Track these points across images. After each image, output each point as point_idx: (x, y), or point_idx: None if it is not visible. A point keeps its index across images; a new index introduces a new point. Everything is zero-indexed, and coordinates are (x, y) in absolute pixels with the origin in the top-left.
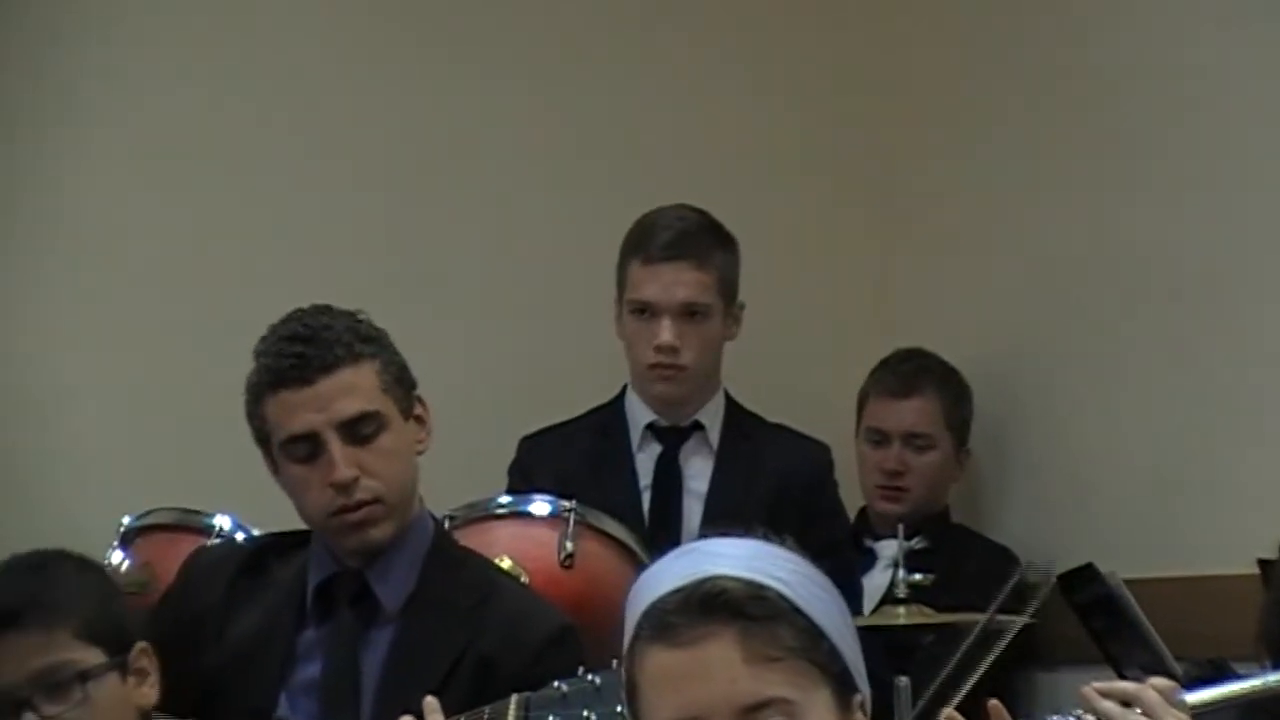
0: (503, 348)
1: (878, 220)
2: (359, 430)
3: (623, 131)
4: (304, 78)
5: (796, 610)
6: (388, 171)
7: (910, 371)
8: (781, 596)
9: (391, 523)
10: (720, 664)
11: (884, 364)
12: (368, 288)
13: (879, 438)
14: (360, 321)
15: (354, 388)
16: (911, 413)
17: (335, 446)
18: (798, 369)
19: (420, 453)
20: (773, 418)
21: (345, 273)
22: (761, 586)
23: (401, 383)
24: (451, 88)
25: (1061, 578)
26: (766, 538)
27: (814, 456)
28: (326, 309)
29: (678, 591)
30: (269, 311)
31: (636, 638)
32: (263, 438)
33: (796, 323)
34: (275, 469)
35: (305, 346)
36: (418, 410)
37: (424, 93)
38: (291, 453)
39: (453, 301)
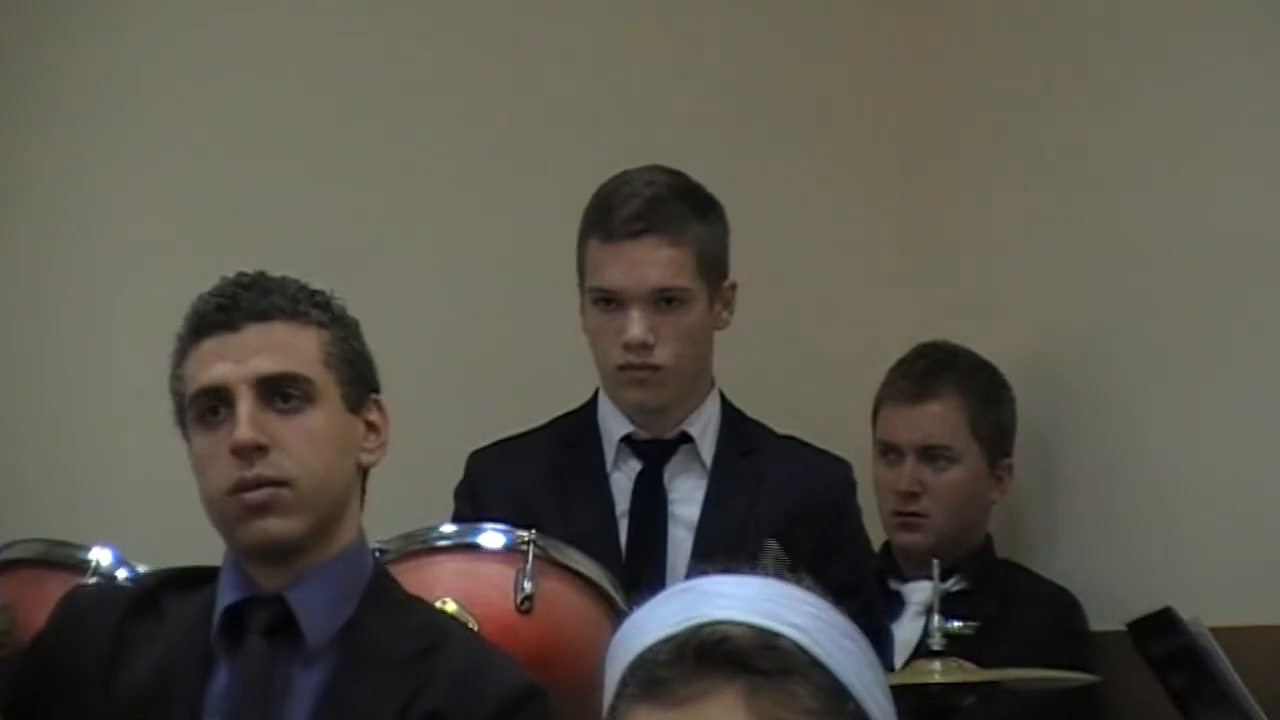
0: (449, 344)
1: (909, 198)
2: (279, 390)
3: (609, 90)
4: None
5: (816, 664)
6: (308, 135)
7: (924, 370)
8: (798, 647)
9: (299, 519)
10: None
11: (899, 363)
12: (298, 267)
13: (891, 452)
14: (319, 292)
15: (285, 345)
16: (926, 420)
17: (245, 405)
18: (811, 371)
19: (367, 464)
20: (781, 429)
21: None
22: (773, 634)
23: (354, 370)
24: (399, 45)
25: (1132, 626)
26: (779, 574)
27: (832, 476)
28: (286, 276)
29: (670, 640)
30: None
31: (620, 697)
32: (180, 407)
33: (810, 315)
34: (189, 449)
35: (240, 290)
36: (371, 415)
37: (372, 59)
38: (198, 413)
39: (386, 291)
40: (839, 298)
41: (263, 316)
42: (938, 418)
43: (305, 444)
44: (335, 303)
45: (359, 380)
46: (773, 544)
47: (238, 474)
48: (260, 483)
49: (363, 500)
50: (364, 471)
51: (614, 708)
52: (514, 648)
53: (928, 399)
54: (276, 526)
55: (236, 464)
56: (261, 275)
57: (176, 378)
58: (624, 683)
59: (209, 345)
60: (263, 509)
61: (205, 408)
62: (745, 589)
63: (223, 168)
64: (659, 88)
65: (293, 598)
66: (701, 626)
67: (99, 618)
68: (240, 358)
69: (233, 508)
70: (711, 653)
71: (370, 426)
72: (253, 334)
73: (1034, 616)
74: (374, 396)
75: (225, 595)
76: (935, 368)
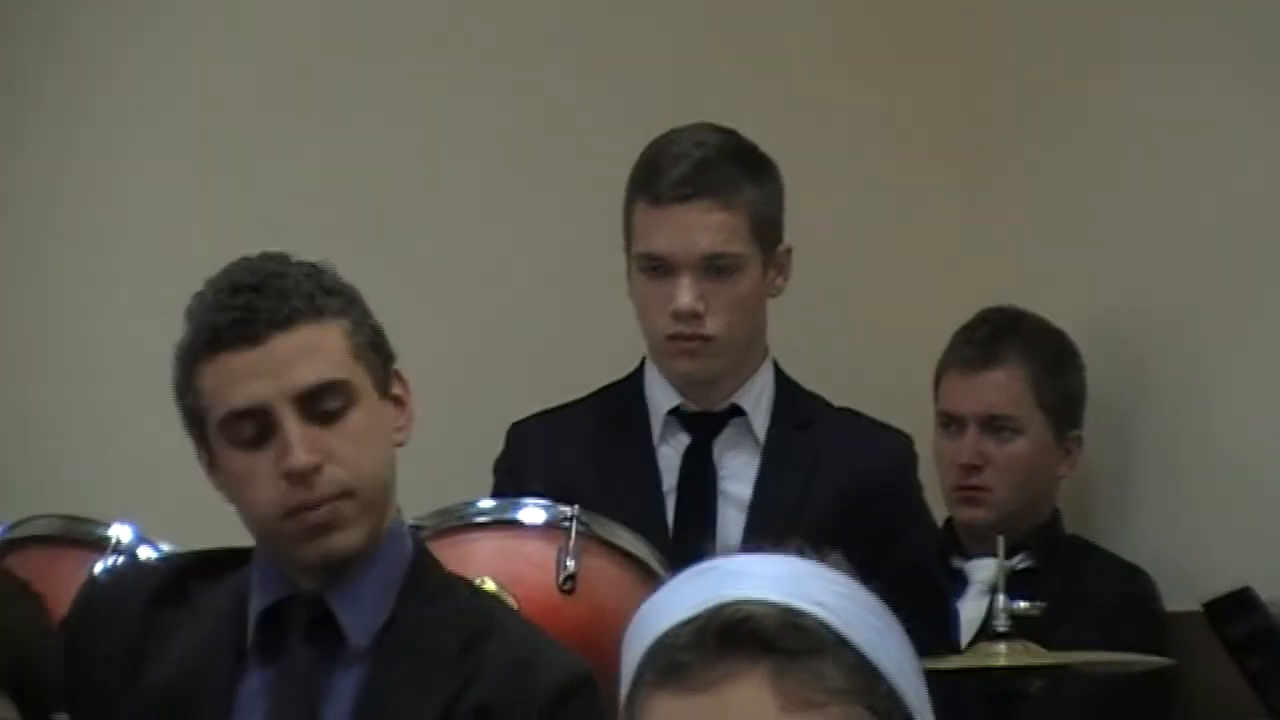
0: (487, 312)
1: (973, 158)
2: (322, 405)
3: (657, 41)
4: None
5: (844, 642)
6: (333, 99)
7: (987, 336)
8: (824, 625)
9: (362, 527)
10: (747, 712)
11: (962, 329)
12: (315, 241)
13: (952, 424)
14: (323, 271)
15: (316, 350)
16: (989, 388)
17: (292, 425)
18: (870, 340)
19: (400, 443)
20: (838, 401)
21: (285, 221)
22: (798, 613)
23: (377, 350)
24: None
25: (1209, 606)
26: (802, 552)
27: (892, 450)
28: (281, 256)
29: (690, 621)
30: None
31: (638, 683)
32: (195, 420)
33: (869, 281)
34: (210, 462)
35: (254, 296)
36: (396, 388)
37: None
38: (233, 435)
39: (424, 254)
40: (900, 263)
41: (286, 324)
42: (1001, 386)
43: (357, 450)
44: (339, 279)
45: (382, 357)
46: (840, 557)
47: (297, 496)
48: (321, 502)
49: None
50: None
51: (631, 698)
52: (555, 629)
53: (991, 366)
54: (342, 541)
55: (291, 488)
56: (268, 275)
57: (191, 391)
58: (642, 669)
59: (232, 362)
60: (326, 527)
61: (240, 428)
62: (768, 567)
63: (237, 128)
64: (715, 40)
65: (333, 597)
66: (723, 606)
67: (125, 606)
68: (274, 373)
69: (293, 528)
70: (734, 633)
71: (397, 401)
72: (280, 345)
73: (1105, 595)
74: (393, 369)
75: (261, 595)
76: (999, 333)
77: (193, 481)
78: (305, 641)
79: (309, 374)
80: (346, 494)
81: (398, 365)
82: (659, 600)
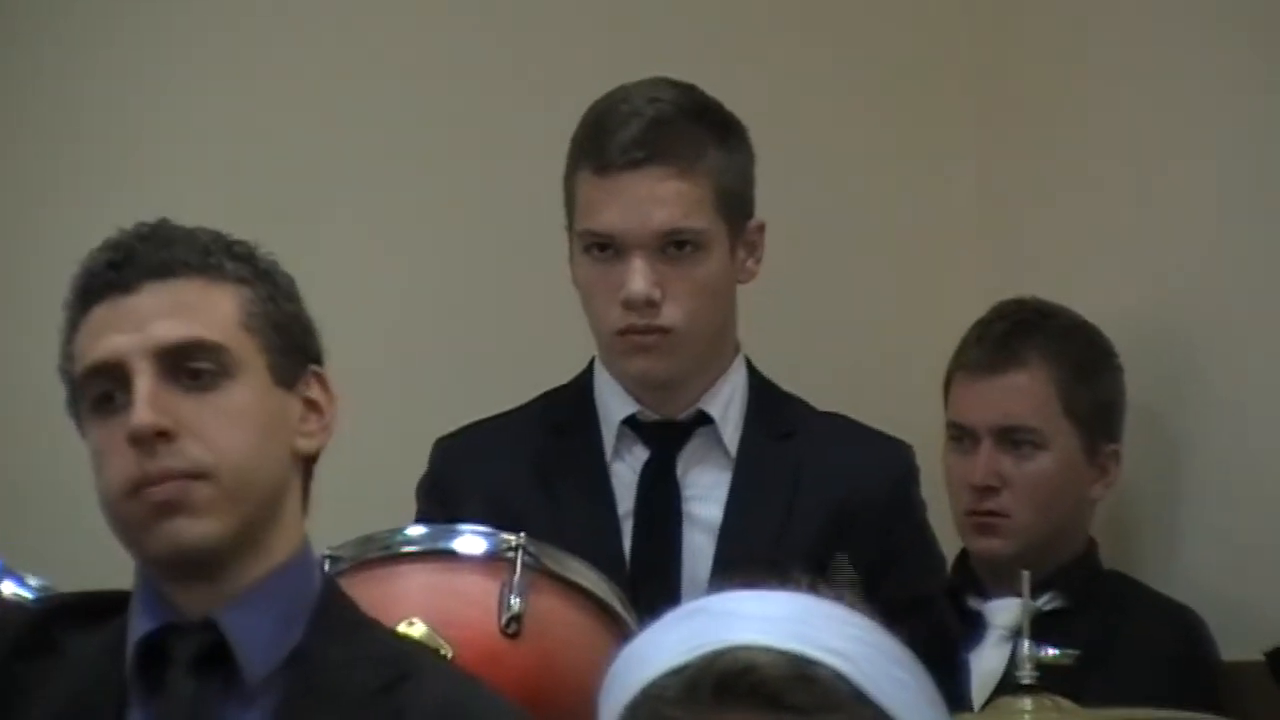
0: (410, 308)
1: (985, 115)
2: (188, 365)
3: None
4: None
5: (861, 698)
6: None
7: (1004, 333)
8: (839, 676)
9: (218, 518)
10: None
11: (975, 326)
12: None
13: (965, 437)
14: (240, 242)
15: (192, 307)
16: (1006, 395)
17: (143, 382)
18: (865, 336)
19: (303, 453)
20: (824, 406)
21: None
22: (808, 662)
23: (282, 332)
24: None
25: (1271, 655)
26: (814, 588)
27: (889, 462)
28: (197, 227)
29: (680, 671)
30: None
31: None
32: (73, 393)
33: (864, 265)
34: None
35: (136, 243)
36: (311, 391)
37: None
38: (90, 395)
39: (331, 247)
40: (902, 244)
41: (163, 273)
42: (1020, 392)
43: (221, 426)
44: (261, 255)
45: (292, 349)
46: (843, 559)
47: (138, 469)
48: (166, 476)
49: (306, 498)
50: (305, 463)
51: None
52: (498, 678)
53: (1008, 369)
54: (189, 529)
55: (136, 457)
56: (163, 223)
57: (66, 356)
58: None
59: (99, 313)
60: (170, 508)
61: (99, 391)
62: (771, 607)
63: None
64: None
65: (225, 623)
66: (719, 654)
67: None
68: (136, 325)
69: (134, 510)
70: (733, 687)
71: (310, 405)
72: (151, 294)
73: (1149, 642)
74: (314, 369)
75: (140, 623)
76: (1018, 330)
77: (65, 504)
78: (191, 673)
79: (174, 329)
80: (200, 474)
81: (326, 373)
82: (642, 646)
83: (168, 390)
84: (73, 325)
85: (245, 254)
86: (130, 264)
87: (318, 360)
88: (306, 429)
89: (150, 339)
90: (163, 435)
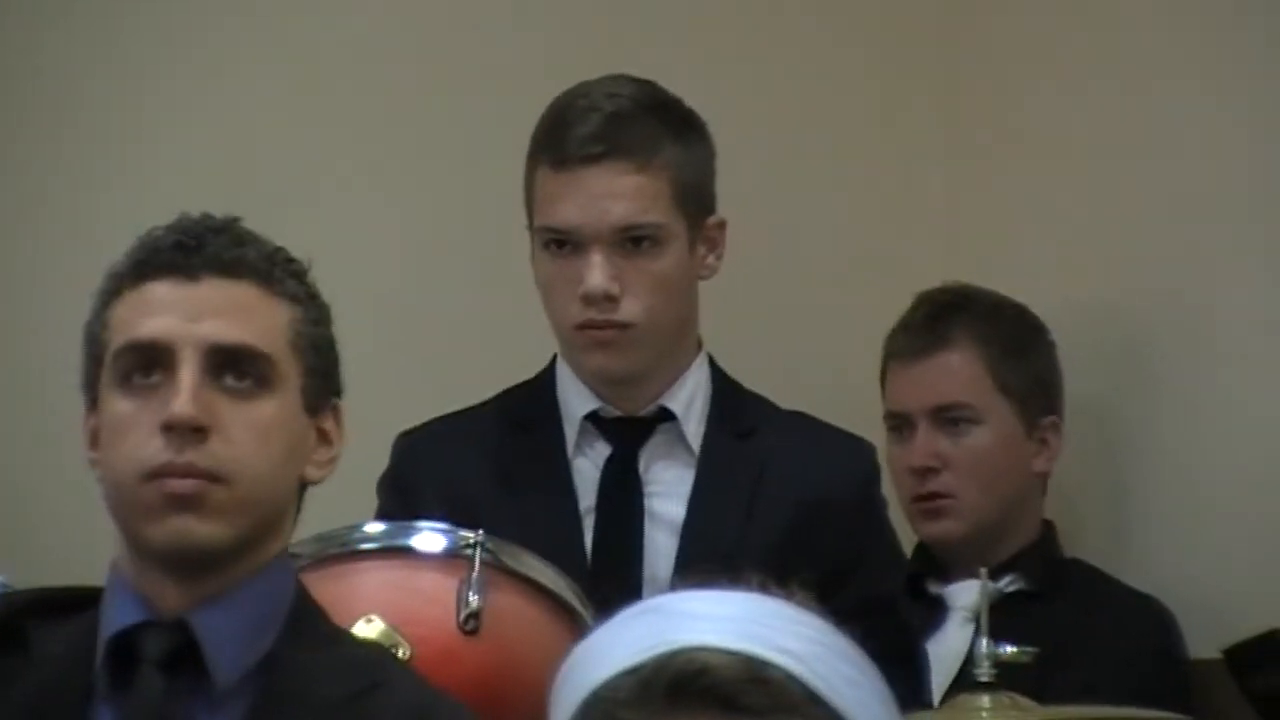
0: (375, 302)
1: (937, 112)
2: (233, 366)
3: None
4: None
5: (815, 699)
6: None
7: (929, 318)
8: (791, 678)
9: (226, 524)
10: None
11: (903, 316)
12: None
13: (902, 425)
14: (296, 260)
15: (250, 312)
16: (936, 376)
17: (188, 372)
18: (826, 332)
19: (308, 481)
20: (786, 403)
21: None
22: (762, 663)
23: (321, 358)
24: None
25: (1230, 653)
26: (765, 587)
27: (853, 462)
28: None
29: (633, 672)
30: None
31: None
32: (93, 359)
33: (824, 262)
34: (94, 421)
35: (209, 234)
36: (327, 424)
37: None
38: (124, 369)
39: (288, 234)
40: (862, 240)
41: (230, 271)
42: (950, 372)
43: (251, 437)
44: (311, 279)
45: (325, 376)
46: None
47: (165, 456)
48: (189, 472)
49: (294, 523)
50: (303, 488)
51: None
52: (456, 675)
53: (937, 350)
54: (197, 529)
55: (165, 444)
56: (235, 222)
57: (100, 323)
58: None
59: (156, 290)
60: (183, 503)
61: (134, 365)
62: (725, 607)
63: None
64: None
65: (198, 623)
66: (672, 655)
67: None
68: (192, 315)
69: (150, 495)
70: (686, 688)
71: (323, 436)
72: (213, 289)
73: (1115, 634)
74: (335, 402)
75: (114, 618)
76: (944, 313)
77: (31, 500)
78: (160, 673)
79: (231, 330)
80: (220, 478)
81: (343, 408)
82: (595, 645)
83: (209, 388)
84: (116, 293)
85: (301, 272)
86: (199, 252)
87: (339, 393)
88: (318, 459)
89: (205, 333)
90: (198, 431)
